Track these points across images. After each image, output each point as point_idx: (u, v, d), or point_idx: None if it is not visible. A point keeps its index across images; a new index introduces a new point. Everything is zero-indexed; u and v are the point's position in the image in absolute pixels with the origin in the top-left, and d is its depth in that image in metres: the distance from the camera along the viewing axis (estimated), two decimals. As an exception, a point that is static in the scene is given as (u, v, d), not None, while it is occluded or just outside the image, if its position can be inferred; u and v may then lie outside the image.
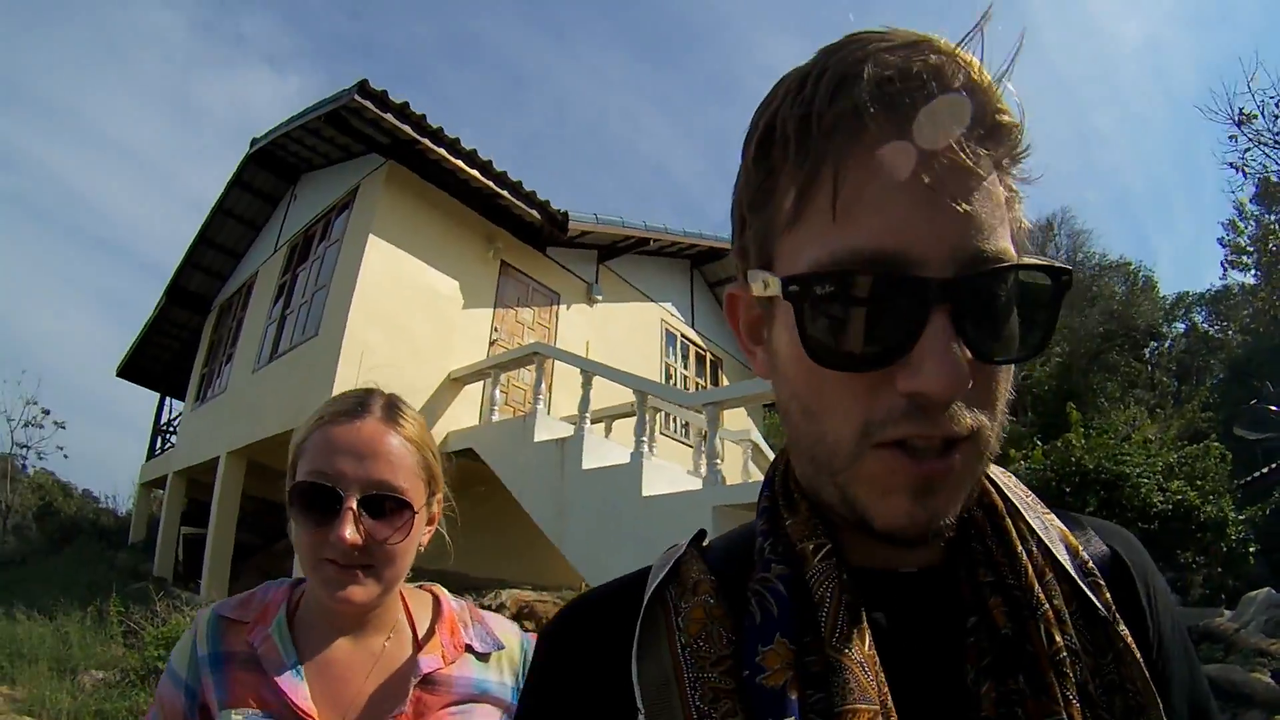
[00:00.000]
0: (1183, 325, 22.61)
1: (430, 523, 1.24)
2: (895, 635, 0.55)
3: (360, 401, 1.19)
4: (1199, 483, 8.28)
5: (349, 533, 1.07)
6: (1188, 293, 22.84)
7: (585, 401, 7.70)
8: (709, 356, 15.50)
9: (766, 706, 0.50)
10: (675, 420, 12.68)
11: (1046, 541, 0.60)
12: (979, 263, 0.49)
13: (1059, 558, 0.59)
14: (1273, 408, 11.38)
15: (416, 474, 1.17)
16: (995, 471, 0.64)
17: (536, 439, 7.81)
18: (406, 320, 9.42)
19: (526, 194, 10.13)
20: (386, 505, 1.12)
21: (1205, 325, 22.41)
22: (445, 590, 1.33)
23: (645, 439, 7.16)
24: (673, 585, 0.59)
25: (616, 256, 12.93)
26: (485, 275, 10.70)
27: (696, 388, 14.27)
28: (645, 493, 6.59)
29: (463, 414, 9.84)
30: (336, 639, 1.17)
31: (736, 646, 0.53)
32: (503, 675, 1.23)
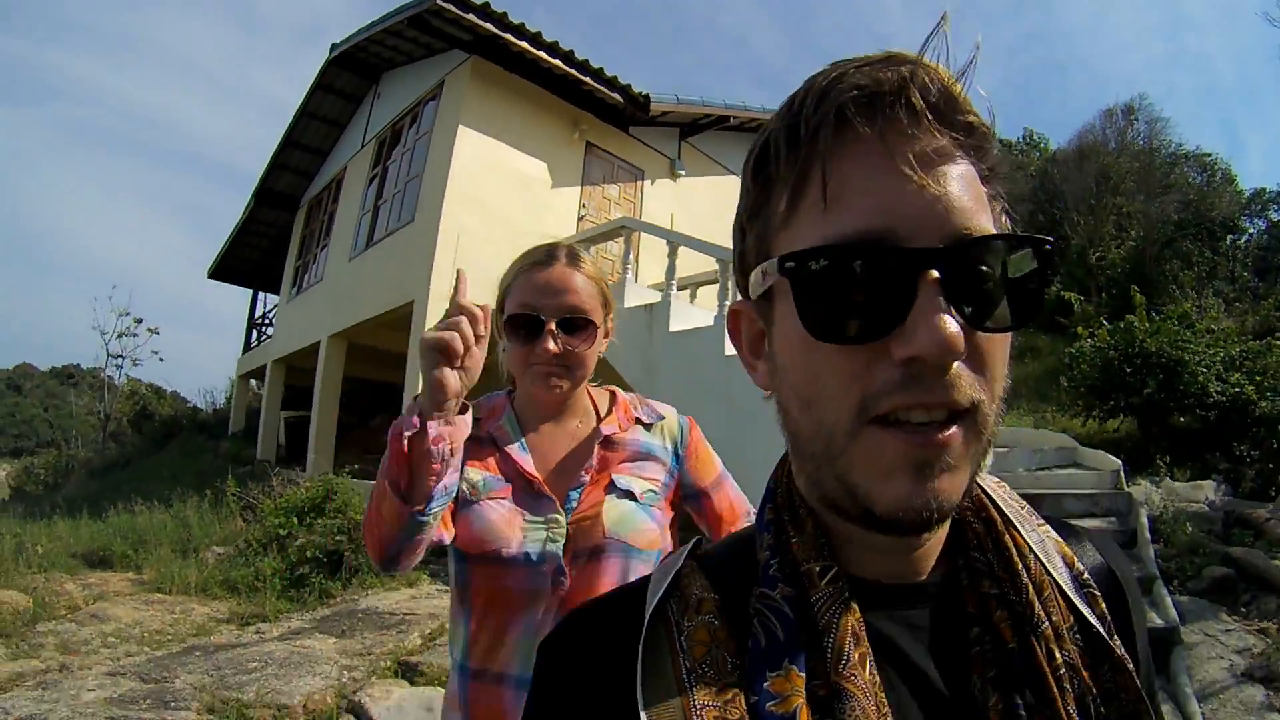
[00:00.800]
0: (1263, 222, 22.00)
1: (606, 335, 1.62)
2: (902, 647, 0.57)
3: (549, 252, 1.56)
4: (1258, 378, 8.38)
5: (551, 345, 1.47)
6: (1264, 189, 22.09)
7: (671, 270, 8.33)
8: None
9: None
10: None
11: (1041, 556, 0.61)
12: (963, 235, 0.52)
13: (1054, 572, 0.61)
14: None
15: (595, 300, 1.55)
16: (990, 483, 0.67)
17: (626, 305, 8.47)
18: (499, 203, 10.11)
19: (609, 79, 10.64)
20: (575, 324, 1.51)
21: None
22: (618, 388, 1.76)
23: (727, 303, 7.81)
24: (674, 600, 0.59)
25: (698, 133, 13.41)
26: (571, 156, 11.32)
27: None
28: (727, 352, 7.30)
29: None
30: (544, 424, 1.58)
31: (742, 672, 0.54)
32: (664, 440, 1.62)
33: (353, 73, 13.56)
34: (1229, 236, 20.43)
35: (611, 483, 1.52)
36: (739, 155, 14.59)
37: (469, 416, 1.30)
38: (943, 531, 0.61)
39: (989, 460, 0.57)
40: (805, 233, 0.54)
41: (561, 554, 1.42)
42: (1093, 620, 0.58)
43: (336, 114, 14.77)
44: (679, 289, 8.94)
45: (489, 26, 9.35)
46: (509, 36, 9.52)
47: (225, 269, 20.47)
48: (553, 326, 1.49)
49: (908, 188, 0.52)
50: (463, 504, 1.46)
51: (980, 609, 0.58)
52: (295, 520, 7.40)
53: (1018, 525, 0.63)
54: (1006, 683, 0.55)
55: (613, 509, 1.48)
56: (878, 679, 0.52)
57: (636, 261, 9.05)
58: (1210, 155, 22.19)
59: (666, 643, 0.56)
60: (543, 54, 9.88)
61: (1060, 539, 0.66)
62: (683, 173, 13.07)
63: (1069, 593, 0.60)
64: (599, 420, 1.62)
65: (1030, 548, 0.61)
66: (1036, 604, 0.57)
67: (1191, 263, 18.03)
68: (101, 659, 5.08)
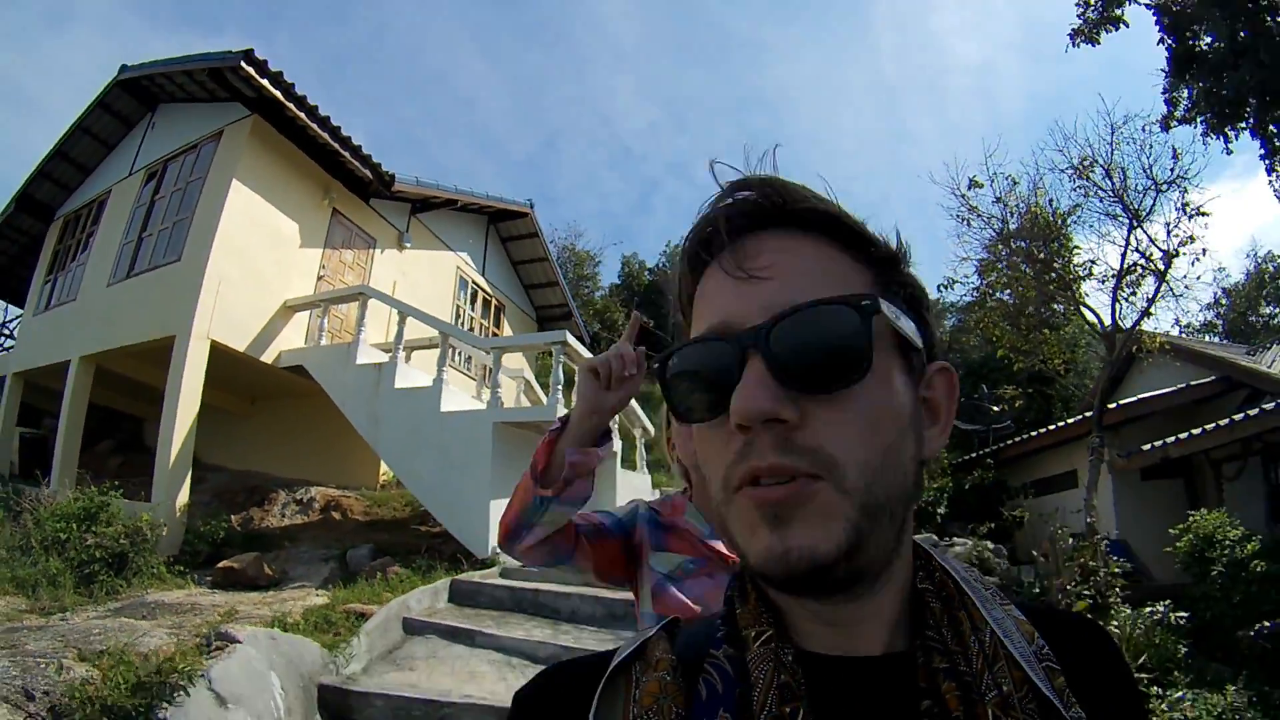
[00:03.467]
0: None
1: None
2: (851, 717, 0.60)
3: None
4: None
5: None
6: (940, 299, 26.08)
7: (399, 335, 10.16)
8: (494, 302, 18.80)
9: None
10: (460, 354, 15.23)
11: (999, 631, 0.64)
12: (781, 312, 0.59)
13: (1010, 646, 0.63)
14: (991, 406, 14.36)
15: None
16: (959, 567, 0.71)
17: (358, 362, 10.20)
18: (255, 255, 11.46)
19: (364, 155, 12.43)
20: None
21: (951, 332, 25.11)
22: None
23: (446, 368, 9.65)
24: (638, 661, 0.66)
25: (427, 210, 15.52)
26: (319, 220, 12.97)
27: (481, 328, 17.46)
28: (443, 409, 9.06)
29: (294, 336, 12.01)
30: None
31: (683, 718, 0.60)
32: None
33: (133, 96, 14.42)
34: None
35: None
36: (460, 232, 17.27)
37: (609, 445, 1.58)
38: (890, 605, 0.65)
39: (896, 519, 0.61)
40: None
41: None
42: (1046, 692, 0.61)
43: (109, 134, 15.40)
44: (403, 352, 10.67)
45: (277, 93, 10.73)
46: (291, 105, 10.94)
47: None
48: None
49: (738, 288, 0.62)
50: (666, 579, 1.74)
51: (930, 682, 0.60)
52: (74, 526, 8.15)
53: (978, 604, 0.67)
54: None
55: None
56: None
57: (366, 325, 10.81)
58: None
59: (623, 695, 0.63)
60: (314, 125, 11.38)
61: (1023, 618, 0.69)
62: (409, 245, 15.04)
63: (1024, 666, 0.62)
64: None
65: (988, 623, 0.65)
66: (986, 674, 0.61)
67: None
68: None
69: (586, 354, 10.07)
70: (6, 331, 19.77)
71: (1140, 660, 6.41)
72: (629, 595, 1.90)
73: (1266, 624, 7.48)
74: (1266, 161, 10.41)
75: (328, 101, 11.95)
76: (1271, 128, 10.07)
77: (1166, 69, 10.89)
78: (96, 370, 13.32)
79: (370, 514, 11.28)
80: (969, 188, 11.54)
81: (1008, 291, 11.45)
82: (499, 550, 7.37)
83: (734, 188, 0.66)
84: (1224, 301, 34.21)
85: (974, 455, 16.21)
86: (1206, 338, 27.86)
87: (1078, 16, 11.36)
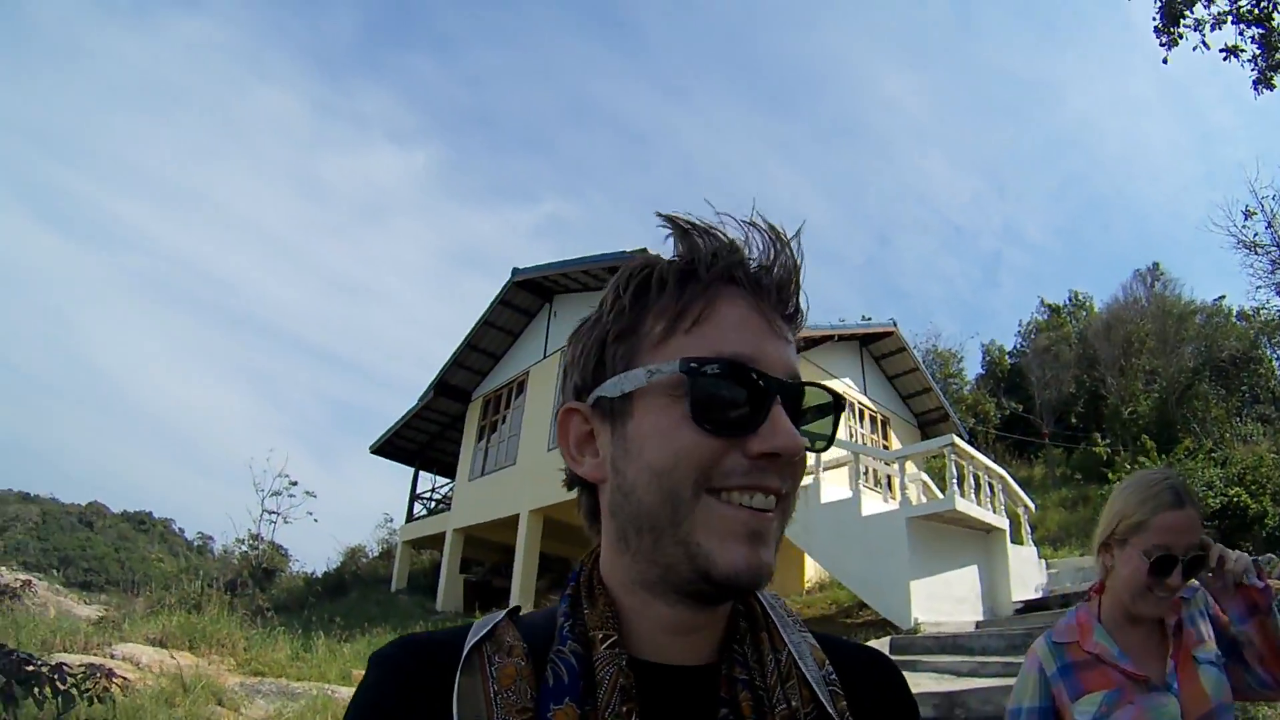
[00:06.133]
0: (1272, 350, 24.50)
1: None
2: (663, 717, 0.71)
3: (1178, 495, 1.86)
4: (1253, 487, 12.93)
5: (1181, 581, 1.83)
6: (1257, 311, 24.28)
7: (819, 460, 12.68)
8: (879, 417, 20.84)
9: None
10: (866, 469, 17.58)
11: (795, 654, 0.77)
12: (797, 376, 0.75)
13: (803, 668, 0.76)
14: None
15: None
16: (767, 595, 0.84)
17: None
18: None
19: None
20: (1195, 564, 1.85)
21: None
22: None
23: (860, 483, 12.19)
24: (489, 643, 0.73)
25: (810, 348, 17.93)
26: None
27: (871, 442, 19.53)
28: (863, 514, 11.54)
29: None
30: (1122, 629, 1.94)
31: (536, 702, 0.68)
32: (1199, 608, 1.96)
33: (529, 292, 18.63)
34: (1251, 365, 24.06)
35: (1194, 658, 1.85)
36: (838, 360, 19.50)
37: None
38: (719, 621, 0.78)
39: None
40: (688, 348, 0.72)
41: None
42: (830, 710, 0.73)
43: (512, 325, 19.79)
44: (822, 471, 13.28)
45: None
46: None
47: (391, 448, 24.60)
48: (1181, 566, 1.82)
49: (767, 333, 0.74)
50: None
51: (730, 692, 0.72)
52: None
53: (779, 627, 0.80)
54: None
55: (1207, 679, 1.81)
56: None
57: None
58: (1220, 298, 26.58)
59: (480, 672, 0.70)
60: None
61: (817, 644, 0.82)
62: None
63: (814, 686, 0.75)
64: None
65: (786, 644, 0.78)
66: (778, 690, 0.73)
67: (1209, 402, 21.94)
68: None
69: (973, 452, 12.28)
70: (434, 497, 24.17)
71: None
72: (1027, 625, 2.61)
73: None
74: None
75: (657, 242, 14.71)
76: None
77: None
78: (545, 520, 16.82)
79: (801, 614, 13.42)
80: (1245, 218, 12.39)
81: None
82: (919, 621, 10.04)
83: (776, 250, 0.78)
84: None
85: None
86: None
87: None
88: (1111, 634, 1.94)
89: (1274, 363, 24.79)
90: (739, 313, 0.74)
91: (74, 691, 3.73)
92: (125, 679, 4.19)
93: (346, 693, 7.66)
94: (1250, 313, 23.29)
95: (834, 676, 0.78)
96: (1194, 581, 1.93)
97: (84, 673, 3.95)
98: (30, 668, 3.60)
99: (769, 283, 0.76)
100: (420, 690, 0.71)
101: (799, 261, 0.78)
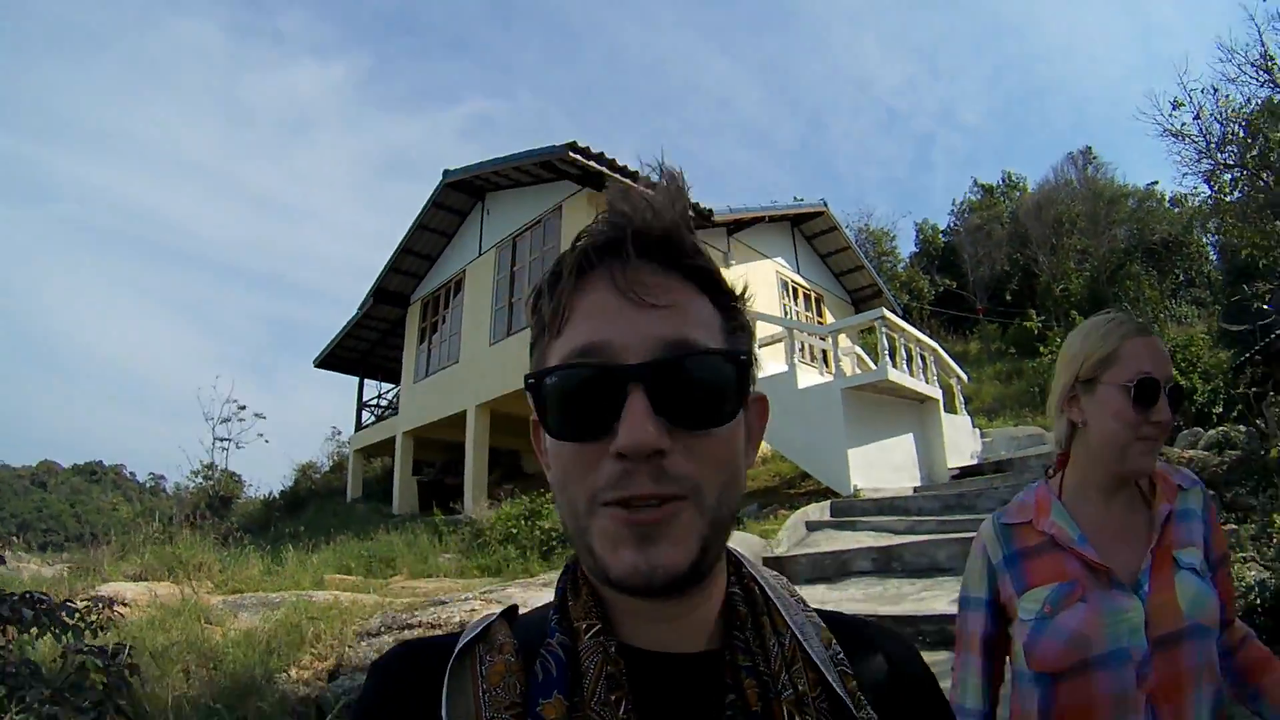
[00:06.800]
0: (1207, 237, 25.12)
1: None
2: (664, 709, 0.69)
3: (1141, 322, 1.64)
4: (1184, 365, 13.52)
5: (1168, 413, 1.54)
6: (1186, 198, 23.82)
7: (754, 338, 13.00)
8: (813, 295, 21.45)
9: None
10: (796, 344, 18.06)
11: (800, 636, 0.75)
12: (669, 350, 0.67)
13: (809, 650, 0.74)
14: (1256, 304, 15.41)
15: None
16: (768, 574, 0.83)
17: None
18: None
19: (687, 201, 15.74)
20: (1177, 393, 1.58)
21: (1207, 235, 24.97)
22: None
23: (793, 356, 12.55)
24: (481, 643, 0.73)
25: (741, 230, 18.28)
26: None
27: (806, 319, 20.14)
28: (800, 387, 11.90)
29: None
30: (1090, 507, 1.61)
31: (525, 696, 0.68)
32: (1198, 506, 1.62)
33: (461, 192, 18.58)
34: (1183, 249, 24.91)
35: (1175, 560, 1.52)
36: (771, 240, 19.88)
37: None
38: (708, 608, 0.75)
39: (735, 536, 0.71)
40: (551, 353, 0.72)
41: (1146, 644, 1.43)
42: (840, 692, 0.72)
43: (445, 226, 19.73)
44: (758, 348, 13.60)
45: (601, 168, 13.88)
46: (616, 175, 13.81)
47: (334, 359, 24.63)
48: (1165, 393, 1.55)
49: (624, 311, 0.68)
50: (1038, 623, 1.51)
51: (734, 679, 0.71)
52: (523, 522, 11.32)
53: (781, 609, 0.78)
54: None
55: (1186, 589, 1.48)
56: (630, 719, 0.66)
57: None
58: (1153, 183, 27.27)
59: (470, 672, 0.70)
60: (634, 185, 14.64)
61: (824, 624, 0.80)
62: (733, 262, 17.74)
63: (821, 668, 0.73)
64: (1142, 495, 1.63)
65: (790, 627, 0.76)
66: (783, 674, 0.71)
67: (1142, 282, 22.61)
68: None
69: (904, 324, 12.73)
70: (384, 404, 24.28)
71: None
72: (961, 489, 2.12)
73: None
74: None
75: (586, 135, 14.67)
76: None
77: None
78: (491, 414, 17.10)
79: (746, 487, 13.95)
80: (1173, 109, 12.73)
81: (1237, 193, 12.36)
82: (858, 488, 10.59)
83: (643, 210, 0.72)
84: None
85: (1245, 356, 16.90)
86: None
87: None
88: (1074, 513, 1.62)
89: (1207, 248, 25.54)
90: (593, 300, 0.70)
91: (81, 624, 3.91)
92: (122, 611, 4.39)
93: (321, 596, 8.02)
94: (1182, 198, 23.90)
95: (841, 656, 0.77)
96: (1192, 475, 1.69)
97: (87, 605, 4.12)
98: (42, 605, 3.79)
99: (636, 247, 0.70)
100: (414, 694, 0.71)
101: (681, 201, 0.73)
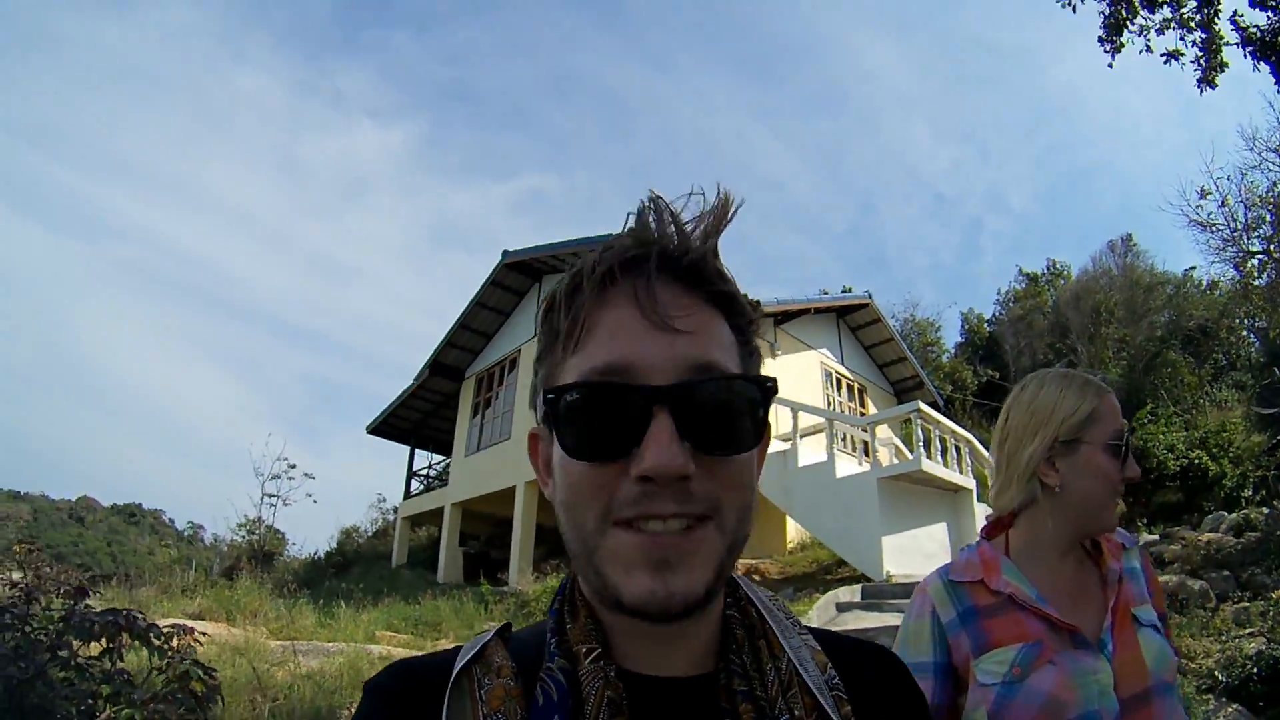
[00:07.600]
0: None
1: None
2: None
3: (1103, 380, 1.62)
4: (1214, 449, 13.85)
5: (1137, 467, 1.58)
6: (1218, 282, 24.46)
7: (795, 427, 13.73)
8: (856, 386, 21.89)
9: None
10: (836, 434, 18.65)
11: (795, 660, 0.75)
12: (694, 373, 0.67)
13: (805, 675, 0.74)
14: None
15: None
16: (763, 594, 0.82)
17: (771, 450, 13.84)
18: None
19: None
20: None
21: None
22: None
23: (837, 448, 13.23)
24: (478, 664, 0.72)
25: (788, 321, 18.92)
26: None
27: (848, 410, 20.58)
28: (837, 476, 12.55)
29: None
30: (1040, 567, 1.56)
31: None
32: (1138, 564, 1.62)
33: (519, 273, 19.52)
34: (1221, 334, 24.97)
35: (1135, 618, 1.50)
36: (816, 332, 20.48)
37: None
38: (706, 630, 0.75)
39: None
40: (569, 369, 0.70)
41: (1117, 705, 1.39)
42: (834, 717, 0.71)
43: (503, 305, 20.68)
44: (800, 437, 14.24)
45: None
46: None
47: (386, 427, 25.48)
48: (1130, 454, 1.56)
49: (649, 331, 0.67)
50: (1007, 687, 1.42)
51: (730, 704, 0.70)
52: None
53: (777, 632, 0.77)
54: None
55: (1150, 646, 1.46)
56: None
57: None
58: (1191, 269, 27.48)
59: (469, 695, 0.69)
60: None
61: (819, 648, 0.79)
62: (780, 353, 18.49)
63: (816, 694, 0.72)
64: (1089, 553, 1.62)
65: (786, 651, 0.75)
66: (780, 699, 0.71)
67: (1180, 369, 22.86)
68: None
69: (939, 417, 13.32)
70: (433, 474, 25.01)
71: None
72: None
73: None
74: None
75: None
76: None
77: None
78: (539, 491, 17.66)
79: (784, 573, 14.07)
80: (1200, 197, 13.25)
81: (1265, 277, 12.76)
82: (890, 573, 11.14)
83: (673, 232, 0.71)
84: None
85: (1277, 440, 16.95)
86: None
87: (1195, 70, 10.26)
88: (1025, 573, 1.55)
89: (1244, 332, 25.47)
90: (616, 317, 0.69)
91: (167, 647, 4.42)
92: (200, 639, 4.85)
93: (376, 649, 8.65)
94: (1215, 283, 24.18)
95: (837, 680, 0.76)
96: (1129, 534, 1.67)
97: (171, 630, 4.54)
98: (140, 623, 4.35)
99: (661, 266, 0.70)
100: (411, 716, 0.70)
101: (717, 221, 0.73)
